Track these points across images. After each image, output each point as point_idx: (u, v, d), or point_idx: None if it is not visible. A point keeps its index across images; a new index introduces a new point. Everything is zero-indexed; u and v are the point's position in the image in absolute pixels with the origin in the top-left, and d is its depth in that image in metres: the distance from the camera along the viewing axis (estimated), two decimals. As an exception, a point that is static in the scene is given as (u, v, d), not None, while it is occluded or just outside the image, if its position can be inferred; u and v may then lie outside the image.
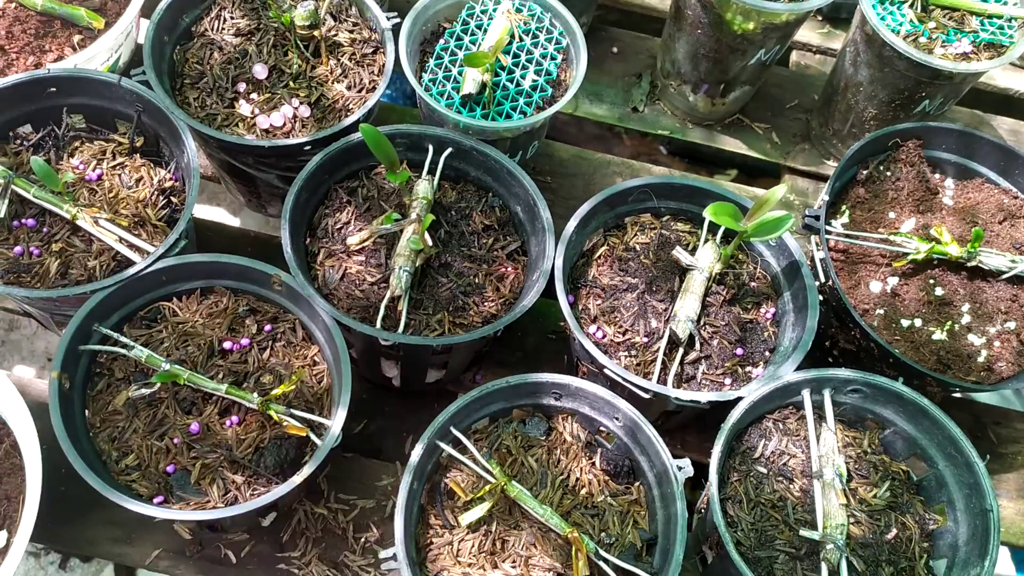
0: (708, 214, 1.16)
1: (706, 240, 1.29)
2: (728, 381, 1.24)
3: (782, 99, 1.78)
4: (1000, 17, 1.45)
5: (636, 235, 1.34)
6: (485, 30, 1.41)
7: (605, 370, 1.18)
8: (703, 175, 1.85)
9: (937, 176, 1.44)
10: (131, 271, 1.16)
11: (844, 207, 1.40)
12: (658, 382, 1.21)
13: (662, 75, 1.71)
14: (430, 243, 1.23)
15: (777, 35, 1.49)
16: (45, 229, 1.23)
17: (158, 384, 1.12)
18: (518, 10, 1.43)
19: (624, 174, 1.67)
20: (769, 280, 1.33)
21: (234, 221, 1.57)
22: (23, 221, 1.23)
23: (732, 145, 1.73)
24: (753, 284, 1.32)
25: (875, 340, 1.23)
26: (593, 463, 1.18)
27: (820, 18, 1.87)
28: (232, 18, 1.41)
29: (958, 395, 1.29)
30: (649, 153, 2.00)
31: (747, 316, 1.29)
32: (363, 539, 1.29)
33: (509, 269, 1.31)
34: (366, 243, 1.25)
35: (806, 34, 1.86)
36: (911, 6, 1.44)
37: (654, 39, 1.81)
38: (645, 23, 1.87)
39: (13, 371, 1.48)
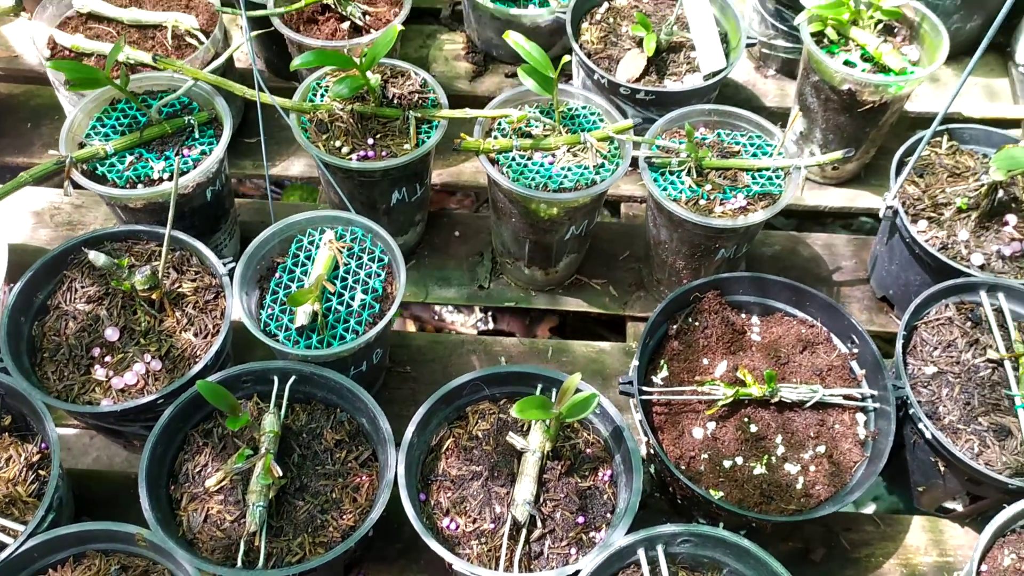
0: (515, 413, 1.29)
1: (533, 420, 1.41)
2: (574, 551, 1.34)
3: (615, 252, 1.94)
4: (768, 169, 1.63)
5: (477, 423, 1.47)
6: (313, 260, 1.55)
7: (454, 565, 1.29)
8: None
9: (743, 316, 1.59)
10: (2, 556, 1.25)
11: (662, 361, 1.54)
12: (506, 566, 1.31)
13: (498, 254, 1.87)
14: (279, 474, 1.33)
15: (581, 213, 1.66)
16: (-80, 526, 1.31)
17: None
18: (340, 236, 1.58)
19: (479, 352, 1.80)
20: (603, 444, 1.45)
21: (114, 466, 1.66)
22: (-102, 522, 1.31)
23: (574, 305, 1.87)
24: (588, 451, 1.44)
25: (694, 490, 1.35)
26: (457, 656, 1.27)
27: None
28: (82, 287, 1.54)
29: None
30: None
31: (585, 484, 1.40)
32: None
33: (364, 478, 1.42)
34: (223, 483, 1.36)
35: (629, 187, 2.04)
36: (688, 173, 1.62)
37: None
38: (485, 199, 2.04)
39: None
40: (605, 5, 2.04)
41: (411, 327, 2.38)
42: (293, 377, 1.44)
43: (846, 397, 1.47)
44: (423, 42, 2.29)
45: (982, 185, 1.63)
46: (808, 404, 1.46)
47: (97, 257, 1.43)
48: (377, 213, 1.74)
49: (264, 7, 1.88)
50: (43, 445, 1.43)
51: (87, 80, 1.52)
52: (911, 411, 1.43)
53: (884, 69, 1.78)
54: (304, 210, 1.59)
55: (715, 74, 1.86)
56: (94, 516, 1.56)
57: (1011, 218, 1.64)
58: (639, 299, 1.88)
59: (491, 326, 2.36)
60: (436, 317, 2.39)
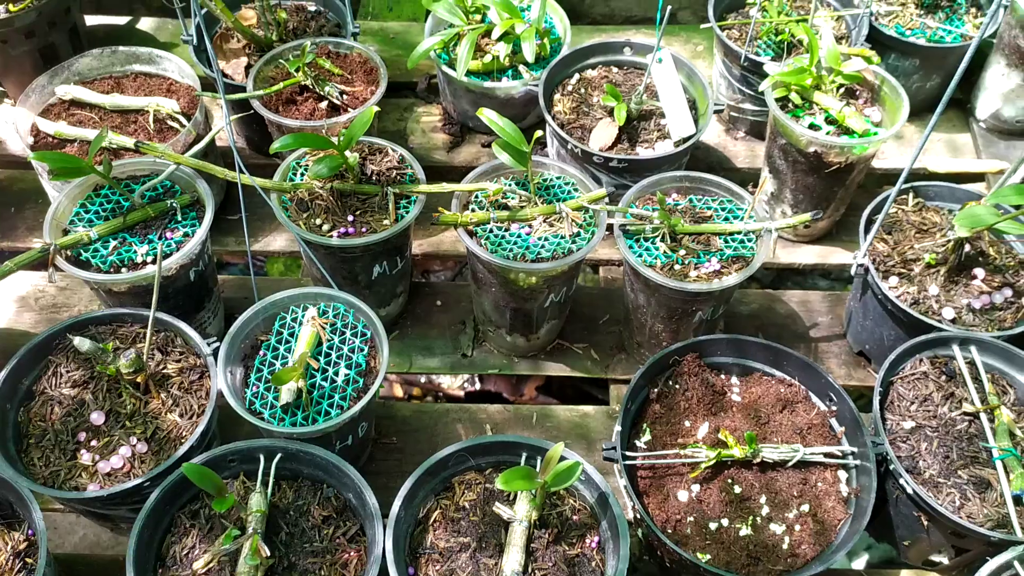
0: (500, 484, 1.30)
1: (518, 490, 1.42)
2: (563, 620, 1.35)
3: (595, 316, 1.97)
4: (740, 233, 1.67)
5: (464, 494, 1.47)
6: (297, 337, 1.57)
7: (444, 641, 1.29)
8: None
9: (723, 377, 1.62)
10: (-13, 649, 1.24)
11: (645, 425, 1.56)
12: (497, 639, 1.31)
13: (480, 322, 1.90)
14: (267, 554, 1.33)
15: (560, 281, 1.69)
16: (-96, 621, 1.31)
17: None
18: (323, 313, 1.60)
19: (464, 420, 1.81)
20: (589, 510, 1.46)
21: (101, 545, 1.65)
22: None
23: (557, 369, 1.90)
24: (575, 517, 1.44)
25: (681, 554, 1.36)
26: None
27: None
28: (68, 371, 1.55)
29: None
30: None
31: (573, 551, 1.41)
32: None
33: (352, 554, 1.42)
34: (211, 564, 1.36)
35: (606, 251, 2.08)
36: (662, 239, 1.65)
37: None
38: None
39: None
40: (576, 76, 2.10)
41: (398, 390, 2.40)
42: (279, 455, 1.45)
43: (827, 455, 1.49)
44: (400, 115, 2.34)
45: (949, 241, 1.67)
46: (790, 463, 1.48)
47: (82, 343, 1.44)
48: (359, 287, 1.77)
49: (244, 90, 1.93)
50: (29, 532, 1.42)
51: (71, 169, 1.55)
52: (891, 467, 1.45)
53: (848, 131, 1.84)
54: (287, 285, 1.62)
55: (685, 140, 1.91)
56: (81, 603, 1.56)
57: (979, 272, 1.68)
58: (621, 361, 1.90)
59: (478, 387, 2.38)
60: (424, 379, 2.41)
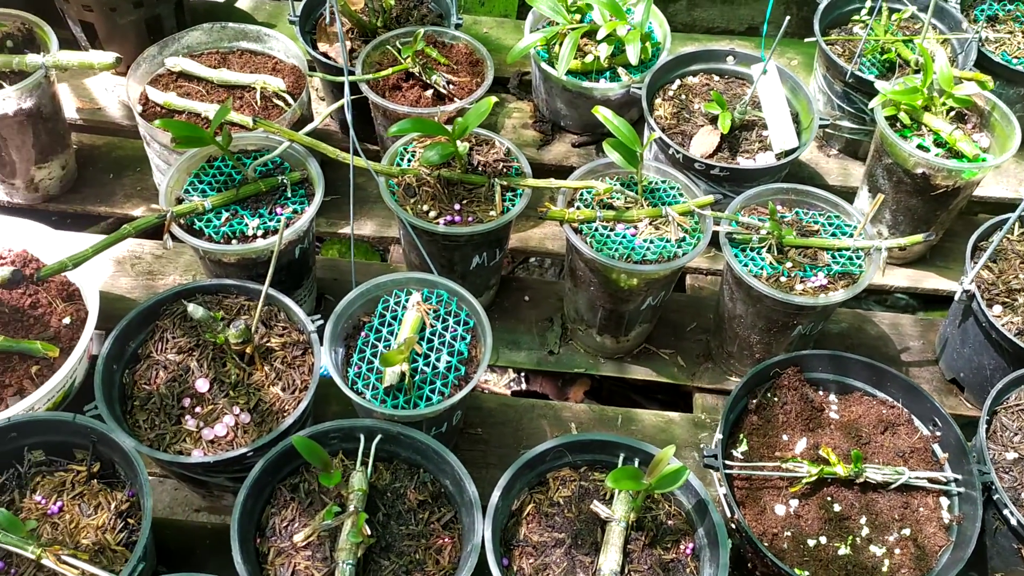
0: (610, 483, 1.30)
1: (621, 490, 1.42)
2: (658, 624, 1.34)
3: (682, 323, 1.96)
4: (848, 249, 1.66)
5: (558, 489, 1.47)
6: (400, 320, 1.58)
7: (541, 634, 1.29)
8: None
9: (821, 393, 1.61)
10: (95, 605, 1.26)
11: (742, 435, 1.55)
12: (592, 637, 1.31)
13: (569, 320, 1.89)
14: (369, 532, 1.34)
15: (659, 285, 1.69)
16: (13, 570, 1.32)
17: None
18: (426, 299, 1.60)
19: (548, 416, 1.81)
20: (684, 516, 1.45)
21: (191, 516, 1.66)
22: (-8, 565, 1.33)
23: (642, 373, 1.89)
24: (671, 522, 1.44)
25: (780, 567, 1.35)
26: None
27: (706, 244, 2.09)
28: (174, 337, 1.57)
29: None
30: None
31: (668, 556, 1.40)
32: None
33: (446, 540, 1.42)
34: (311, 538, 1.37)
35: (695, 260, 2.06)
36: (768, 250, 1.64)
37: (561, 283, 2.00)
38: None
39: None
40: (677, 82, 2.09)
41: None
42: (379, 436, 1.46)
43: (931, 480, 1.47)
44: (492, 110, 2.34)
45: (1058, 273, 1.65)
46: (892, 486, 1.46)
47: (195, 310, 1.46)
48: (455, 276, 1.77)
49: (352, 73, 1.94)
50: (130, 492, 1.44)
51: (193, 139, 1.57)
52: (995, 496, 1.44)
53: (957, 155, 1.82)
54: (376, 270, 1.62)
55: (788, 153, 1.90)
56: (172, 567, 1.58)
57: (1086, 307, 1.66)
58: (707, 370, 1.89)
59: (523, 387, 2.37)
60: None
